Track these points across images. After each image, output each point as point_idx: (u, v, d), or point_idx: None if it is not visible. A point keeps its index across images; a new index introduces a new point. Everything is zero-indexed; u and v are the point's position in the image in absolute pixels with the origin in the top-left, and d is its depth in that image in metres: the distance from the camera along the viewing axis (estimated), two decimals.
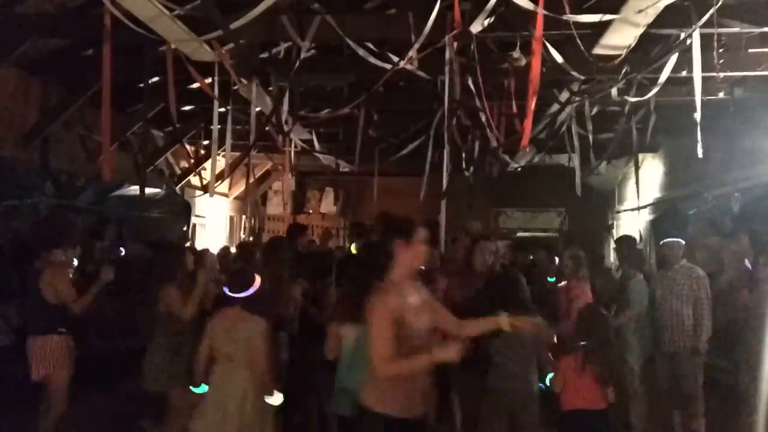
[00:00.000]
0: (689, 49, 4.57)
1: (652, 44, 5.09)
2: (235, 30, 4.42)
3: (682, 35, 4.52)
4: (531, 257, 8.19)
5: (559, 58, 4.99)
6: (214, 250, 11.89)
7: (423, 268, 3.93)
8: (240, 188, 13.13)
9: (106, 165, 5.03)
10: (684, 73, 5.07)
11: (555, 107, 6.71)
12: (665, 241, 6.06)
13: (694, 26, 4.29)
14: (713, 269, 6.43)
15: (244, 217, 13.69)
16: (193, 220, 11.44)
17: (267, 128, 6.83)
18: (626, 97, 5.49)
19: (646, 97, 5.51)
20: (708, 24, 4.38)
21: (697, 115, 4.74)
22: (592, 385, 3.98)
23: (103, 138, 4.79)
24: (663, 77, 4.90)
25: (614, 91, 5.47)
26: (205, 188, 11.47)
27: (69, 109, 7.22)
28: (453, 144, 6.11)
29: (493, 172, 8.15)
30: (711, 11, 3.94)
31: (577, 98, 5.94)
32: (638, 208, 10.79)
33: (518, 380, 4.36)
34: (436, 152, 6.88)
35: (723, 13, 4.38)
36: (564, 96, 6.40)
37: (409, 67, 4.82)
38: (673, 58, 4.76)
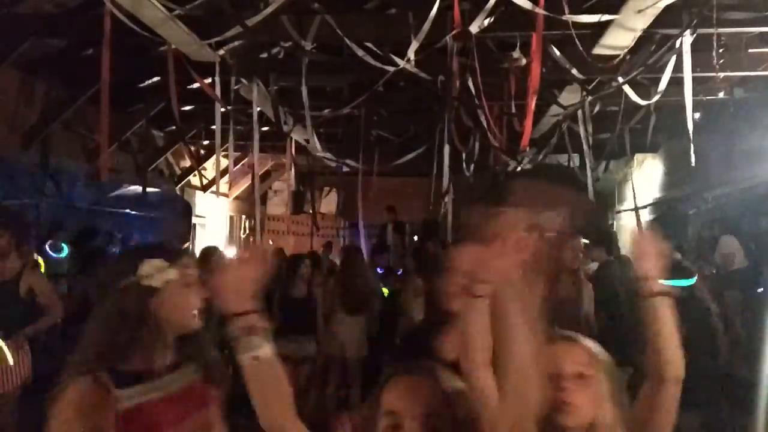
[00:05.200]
0: (688, 49, 4.58)
1: (654, 44, 5.09)
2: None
3: (676, 38, 4.53)
4: None
5: (560, 57, 4.99)
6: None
7: None
8: (240, 188, 13.14)
9: (103, 165, 5.02)
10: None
11: (559, 108, 6.71)
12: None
13: (684, 28, 4.29)
14: None
15: (244, 216, 13.69)
16: (193, 220, 11.44)
17: (267, 128, 6.84)
18: (636, 99, 5.47)
19: (652, 101, 5.50)
20: (707, 24, 4.39)
21: (689, 121, 4.74)
22: None
23: (100, 138, 4.78)
24: (664, 80, 4.90)
25: (631, 93, 5.42)
26: (205, 188, 11.49)
27: (69, 109, 7.22)
28: (453, 144, 6.11)
29: (495, 172, 8.15)
30: (706, 13, 3.94)
31: (589, 98, 5.92)
32: (638, 208, 10.79)
33: None
34: (439, 153, 6.89)
35: (724, 5, 4.39)
36: (568, 97, 6.40)
37: (408, 67, 4.82)
38: (673, 59, 4.76)
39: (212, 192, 8.88)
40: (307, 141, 7.16)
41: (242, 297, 1.63)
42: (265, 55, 5.66)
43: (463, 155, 7.52)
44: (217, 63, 5.51)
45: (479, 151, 7.41)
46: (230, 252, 12.93)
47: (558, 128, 7.35)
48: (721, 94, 6.99)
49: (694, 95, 4.75)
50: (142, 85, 7.68)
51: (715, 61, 4.70)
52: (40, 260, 7.13)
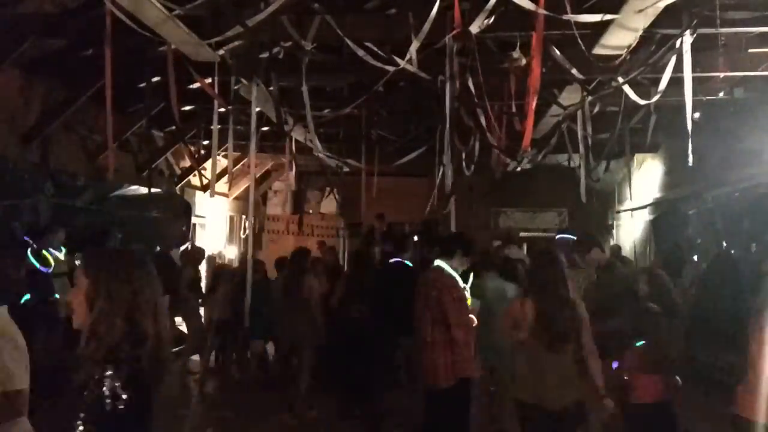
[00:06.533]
0: (688, 49, 4.57)
1: (654, 44, 5.09)
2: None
3: (677, 38, 4.52)
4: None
5: (560, 57, 4.99)
6: (214, 250, 12.00)
7: None
8: (240, 188, 13.14)
9: (109, 164, 5.03)
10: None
11: (559, 108, 6.70)
12: None
13: (684, 28, 4.29)
14: None
15: (244, 217, 13.69)
16: (193, 220, 11.44)
17: (267, 128, 6.83)
18: (636, 98, 5.47)
19: (652, 101, 5.50)
20: (708, 24, 4.39)
21: (689, 121, 4.73)
22: (652, 380, 4.13)
23: (105, 137, 4.79)
24: (664, 80, 4.89)
25: (631, 93, 5.41)
26: (205, 188, 11.48)
27: (69, 109, 7.22)
28: (453, 144, 6.11)
29: (495, 173, 8.15)
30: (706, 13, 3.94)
31: (589, 98, 5.91)
32: (637, 209, 10.80)
33: None
34: (439, 152, 6.88)
35: (724, 4, 4.39)
36: (568, 97, 6.39)
37: (409, 67, 4.82)
38: (673, 59, 4.76)
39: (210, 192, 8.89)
40: (309, 141, 7.17)
41: None
42: (265, 55, 5.65)
43: (463, 155, 7.51)
44: (216, 63, 5.51)
45: (479, 151, 7.40)
46: (230, 252, 12.96)
47: (558, 128, 7.34)
48: (721, 94, 6.99)
49: (694, 95, 4.75)
50: (142, 85, 7.69)
51: (720, 61, 4.69)
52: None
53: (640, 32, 4.63)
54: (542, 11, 3.83)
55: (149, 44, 5.07)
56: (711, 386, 6.38)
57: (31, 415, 2.58)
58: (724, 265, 7.40)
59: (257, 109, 6.27)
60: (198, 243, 11.21)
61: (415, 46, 4.49)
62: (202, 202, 11.66)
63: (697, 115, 6.72)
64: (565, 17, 3.95)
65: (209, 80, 5.84)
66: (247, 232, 13.30)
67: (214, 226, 12.57)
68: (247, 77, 5.91)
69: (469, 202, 8.39)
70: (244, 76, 5.92)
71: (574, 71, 5.24)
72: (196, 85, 6.39)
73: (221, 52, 5.48)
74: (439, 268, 4.71)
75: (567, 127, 7.18)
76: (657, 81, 5.08)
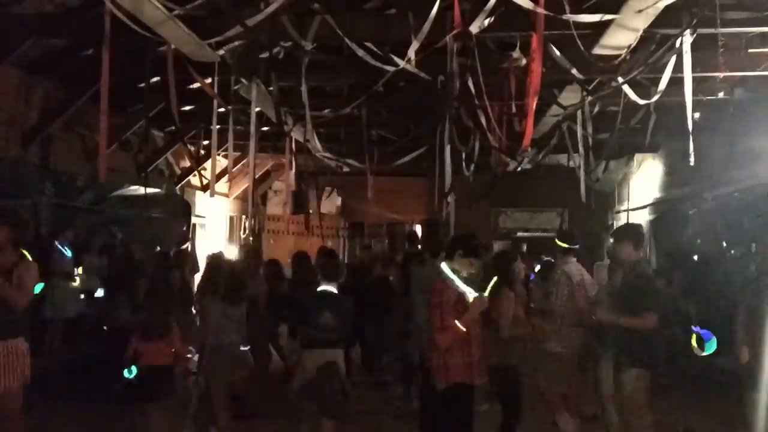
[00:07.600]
0: (688, 49, 4.57)
1: (654, 44, 5.09)
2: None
3: (677, 38, 4.52)
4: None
5: (560, 58, 4.99)
6: (214, 250, 11.99)
7: None
8: (240, 188, 13.13)
9: (102, 165, 5.03)
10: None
11: (559, 108, 6.70)
12: None
13: (684, 28, 4.28)
14: None
15: (244, 217, 13.69)
16: (193, 220, 11.44)
17: (268, 128, 6.83)
18: (636, 98, 5.47)
19: (652, 101, 5.50)
20: (708, 24, 4.39)
21: (689, 121, 4.73)
22: None
23: (100, 138, 4.80)
24: (664, 80, 4.89)
25: (631, 93, 5.40)
26: (205, 188, 11.48)
27: (69, 109, 7.22)
28: (453, 144, 6.11)
29: (496, 173, 8.15)
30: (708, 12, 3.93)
31: (589, 98, 5.91)
32: (637, 209, 10.80)
33: None
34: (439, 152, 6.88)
35: (724, 4, 4.40)
36: (568, 97, 6.40)
37: (408, 67, 4.82)
38: (673, 59, 4.76)
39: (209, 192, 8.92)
40: (308, 141, 7.19)
41: None
42: (265, 55, 5.66)
43: (463, 155, 7.52)
44: (216, 63, 5.51)
45: (479, 151, 7.41)
46: (230, 252, 12.95)
47: (558, 128, 7.34)
48: (721, 94, 6.98)
49: (694, 95, 4.75)
50: (142, 85, 7.69)
51: (720, 61, 4.68)
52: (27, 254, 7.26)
53: (640, 32, 4.63)
54: (542, 11, 3.83)
55: (149, 44, 5.07)
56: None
57: None
58: (711, 269, 7.44)
59: (257, 109, 6.27)
60: (198, 243, 11.22)
61: (414, 46, 4.49)
62: (202, 202, 11.66)
63: (697, 115, 6.72)
64: (565, 17, 3.95)
65: (209, 80, 5.83)
66: (247, 232, 13.32)
67: (214, 226, 12.57)
68: (247, 77, 5.91)
69: (469, 202, 8.38)
70: (244, 76, 5.92)
71: (574, 71, 5.24)
72: (196, 85, 6.39)
73: (221, 52, 5.48)
74: (439, 271, 4.69)
75: (567, 127, 7.18)
76: (657, 81, 5.08)
